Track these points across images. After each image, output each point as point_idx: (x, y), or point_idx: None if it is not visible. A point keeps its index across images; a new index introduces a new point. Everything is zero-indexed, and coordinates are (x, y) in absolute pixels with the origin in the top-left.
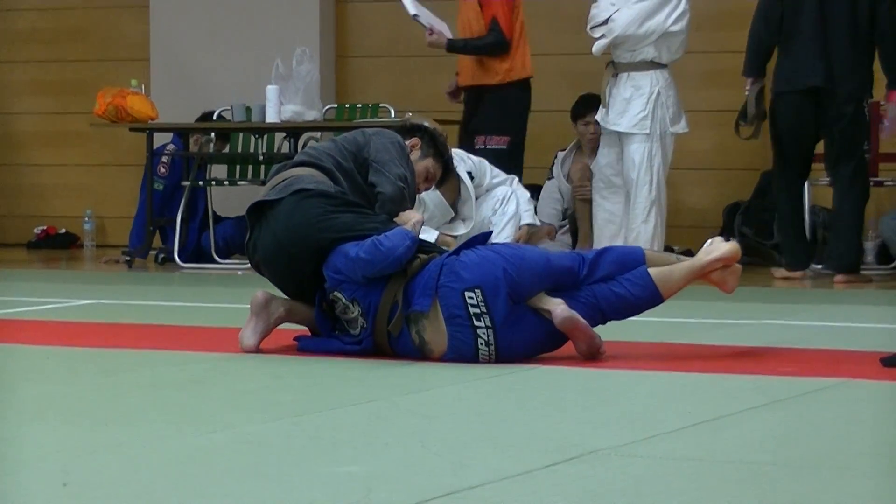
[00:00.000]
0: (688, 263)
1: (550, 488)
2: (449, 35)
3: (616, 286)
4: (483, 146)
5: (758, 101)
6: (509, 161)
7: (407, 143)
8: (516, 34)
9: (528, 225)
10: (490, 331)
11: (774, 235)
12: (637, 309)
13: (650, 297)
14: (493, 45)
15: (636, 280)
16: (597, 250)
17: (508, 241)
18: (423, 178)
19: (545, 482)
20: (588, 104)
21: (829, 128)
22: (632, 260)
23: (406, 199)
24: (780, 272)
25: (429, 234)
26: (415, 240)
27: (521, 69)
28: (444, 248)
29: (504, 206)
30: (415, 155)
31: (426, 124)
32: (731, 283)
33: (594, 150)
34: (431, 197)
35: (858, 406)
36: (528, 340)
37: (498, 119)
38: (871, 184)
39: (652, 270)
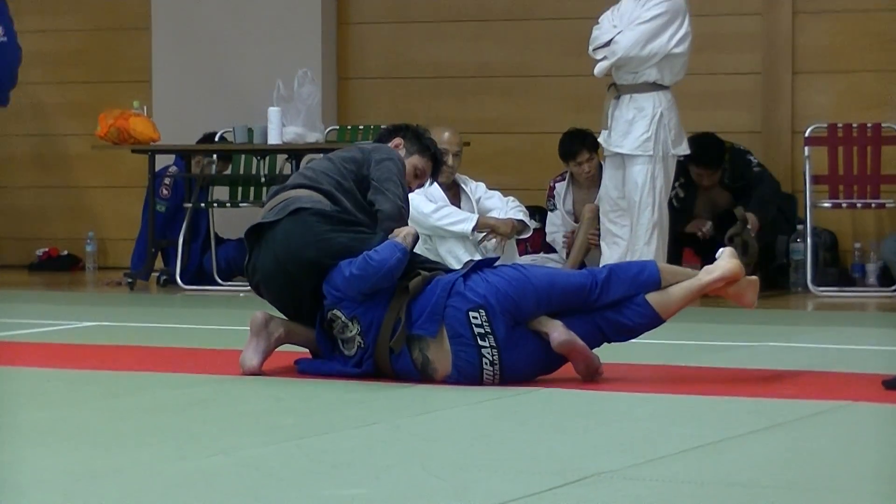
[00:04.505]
0: (687, 284)
1: None
2: None
3: (618, 314)
4: None
5: None
6: None
7: (390, 144)
8: None
9: (520, 221)
10: (495, 351)
11: (777, 257)
12: (638, 333)
13: (650, 323)
14: None
15: (637, 308)
16: (608, 268)
17: (521, 215)
18: (412, 176)
19: None
20: (576, 142)
21: None
22: (645, 278)
23: (404, 217)
24: None
25: (468, 221)
26: (405, 252)
27: None
28: (482, 230)
29: (507, 200)
30: (400, 153)
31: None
32: (749, 297)
33: (592, 185)
34: (436, 193)
35: (860, 429)
36: (530, 361)
37: None
38: (873, 206)
39: (651, 296)
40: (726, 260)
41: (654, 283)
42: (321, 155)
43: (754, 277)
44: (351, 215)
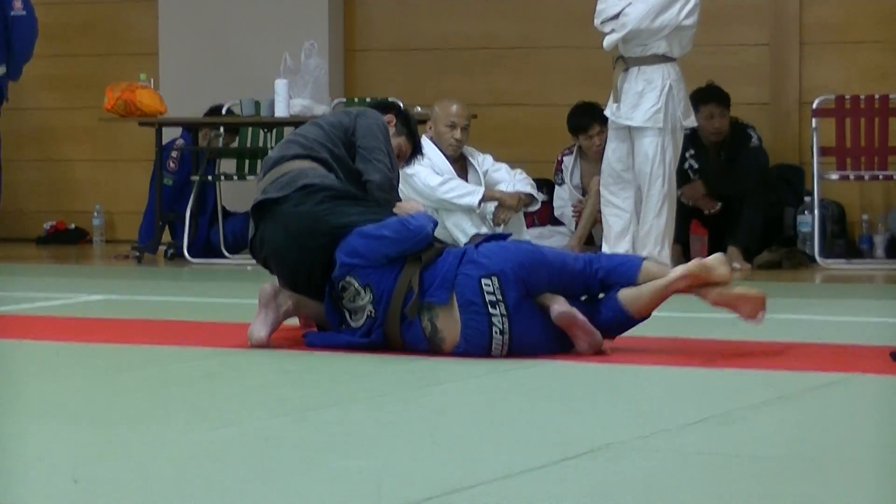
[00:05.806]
0: (654, 282)
1: (561, 484)
2: None
3: (594, 311)
4: None
5: None
6: None
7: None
8: None
9: (528, 194)
10: (504, 319)
11: (784, 230)
12: (613, 330)
13: (618, 317)
14: None
15: (608, 302)
16: (597, 256)
17: (529, 187)
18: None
19: (555, 477)
20: (587, 116)
21: None
22: (623, 271)
23: (394, 187)
24: None
25: (475, 194)
26: (436, 224)
27: None
28: (492, 199)
29: (514, 172)
30: (390, 131)
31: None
32: (745, 310)
33: (601, 158)
34: (442, 166)
35: (868, 401)
36: (538, 335)
37: None
38: (881, 177)
39: (623, 293)
40: (702, 259)
41: (628, 277)
42: None
43: (755, 293)
44: (354, 188)
